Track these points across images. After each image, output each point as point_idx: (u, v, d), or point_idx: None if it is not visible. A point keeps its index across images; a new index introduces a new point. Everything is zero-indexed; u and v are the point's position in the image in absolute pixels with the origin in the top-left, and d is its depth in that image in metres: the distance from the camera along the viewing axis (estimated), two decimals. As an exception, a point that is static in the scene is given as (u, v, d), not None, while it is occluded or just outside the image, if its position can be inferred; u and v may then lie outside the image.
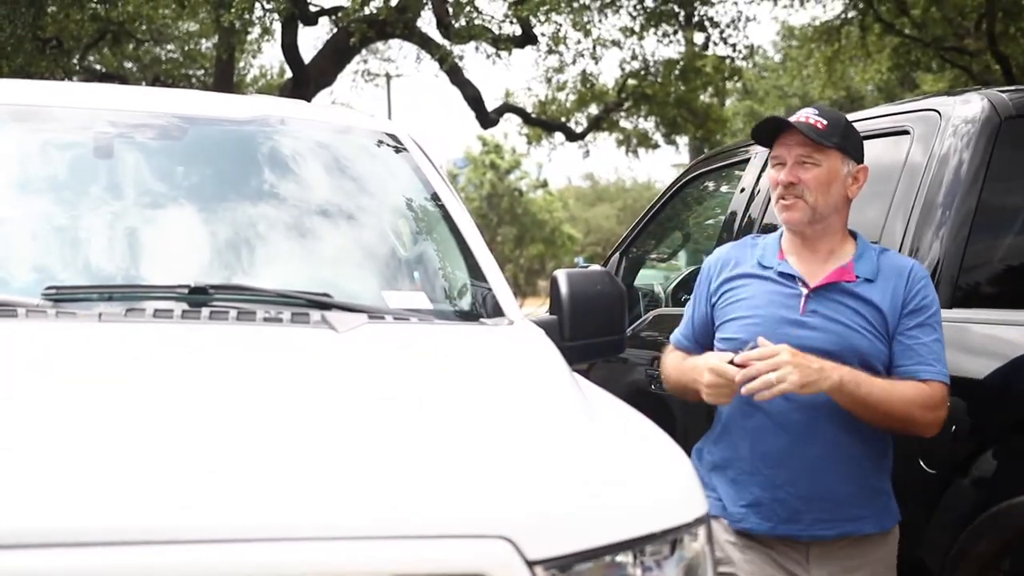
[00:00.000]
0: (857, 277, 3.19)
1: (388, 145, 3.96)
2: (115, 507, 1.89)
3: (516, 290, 41.77)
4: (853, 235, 3.31)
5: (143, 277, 3.13)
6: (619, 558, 2.13)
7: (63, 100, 3.76)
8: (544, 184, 51.19)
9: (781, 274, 3.27)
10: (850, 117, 4.33)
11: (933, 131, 3.74)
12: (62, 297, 2.84)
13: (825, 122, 3.21)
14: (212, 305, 2.90)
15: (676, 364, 3.54)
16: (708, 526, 2.32)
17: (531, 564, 1.99)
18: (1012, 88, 3.79)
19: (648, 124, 24.59)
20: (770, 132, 3.30)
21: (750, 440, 3.30)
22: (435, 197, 3.72)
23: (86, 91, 4.08)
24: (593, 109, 23.82)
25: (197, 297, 2.93)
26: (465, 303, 3.38)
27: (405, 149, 3.92)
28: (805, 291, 3.21)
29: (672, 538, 2.20)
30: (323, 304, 3.01)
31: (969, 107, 3.71)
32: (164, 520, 1.88)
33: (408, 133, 4.03)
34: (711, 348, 3.36)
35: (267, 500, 1.97)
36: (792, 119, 3.24)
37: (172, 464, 2.01)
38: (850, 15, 21.57)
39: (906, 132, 3.86)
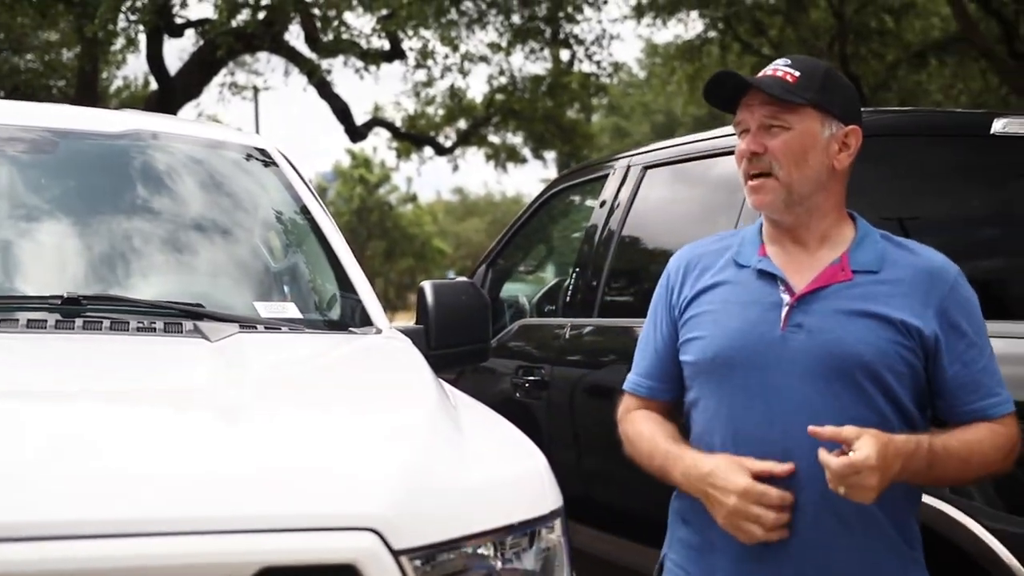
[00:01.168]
0: (855, 273, 2.41)
1: (258, 160, 4.05)
2: None
3: (387, 304, 41.70)
4: (853, 218, 2.53)
5: (16, 288, 3.19)
6: (480, 549, 2.27)
7: None
8: (414, 198, 51.29)
9: (760, 274, 2.46)
10: (718, 132, 4.49)
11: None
12: (-67, 308, 2.89)
13: (797, 73, 2.44)
14: (85, 315, 2.98)
15: (649, 439, 2.58)
16: (564, 519, 2.47)
17: (397, 554, 2.12)
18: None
19: (516, 139, 24.91)
20: (730, 92, 2.51)
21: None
22: (304, 211, 3.83)
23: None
24: (462, 123, 24.00)
25: (70, 308, 3.00)
26: (334, 313, 3.50)
27: (275, 164, 4.01)
28: (788, 300, 2.41)
29: (530, 529, 2.35)
30: (195, 314, 3.11)
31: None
32: (22, 517, 1.97)
33: (277, 148, 4.12)
34: (682, 385, 2.58)
35: (142, 497, 2.07)
36: (760, 74, 2.51)
37: (34, 465, 2.10)
38: (711, 35, 22.10)
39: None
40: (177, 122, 4.60)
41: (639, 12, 21.17)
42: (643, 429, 2.59)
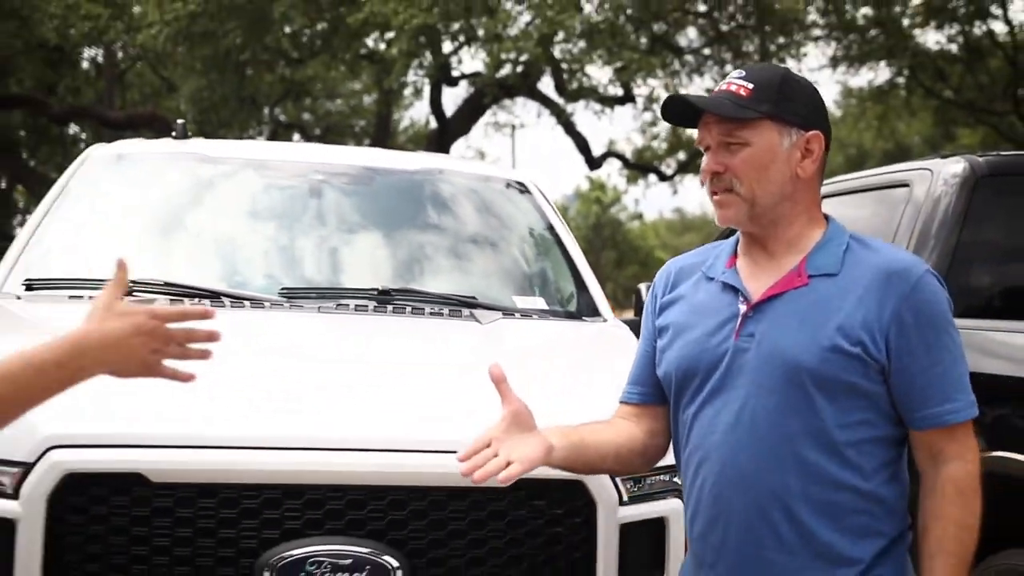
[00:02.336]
0: (811, 277, 1.98)
1: (517, 189, 4.41)
2: (285, 423, 2.44)
3: (616, 303, 41.94)
4: (828, 219, 2.09)
5: (346, 283, 3.62)
6: (665, 476, 2.59)
7: (283, 155, 4.33)
8: (640, 216, 51.38)
9: (724, 286, 2.07)
10: (873, 171, 4.66)
11: (928, 184, 4.11)
12: (292, 295, 3.39)
13: (751, 86, 2.01)
14: (394, 303, 3.43)
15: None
16: None
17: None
18: (990, 153, 4.15)
19: (727, 168, 24.72)
20: (691, 112, 2.07)
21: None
22: (551, 228, 4.20)
23: (300, 148, 4.65)
24: (681, 155, 24.07)
25: (383, 297, 3.45)
26: (571, 306, 3.83)
27: (530, 192, 4.37)
28: (744, 309, 2.01)
29: None
30: (471, 304, 3.51)
31: (954, 167, 4.08)
32: (306, 432, 2.40)
33: (532, 180, 4.48)
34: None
35: (421, 423, 2.50)
36: (716, 89, 2.09)
37: (334, 397, 2.57)
38: (898, 80, 21.57)
39: (907, 184, 4.24)
40: (457, 161, 5.05)
41: (835, 62, 20.85)
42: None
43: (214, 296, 3.30)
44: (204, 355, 1.67)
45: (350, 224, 3.94)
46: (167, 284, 3.31)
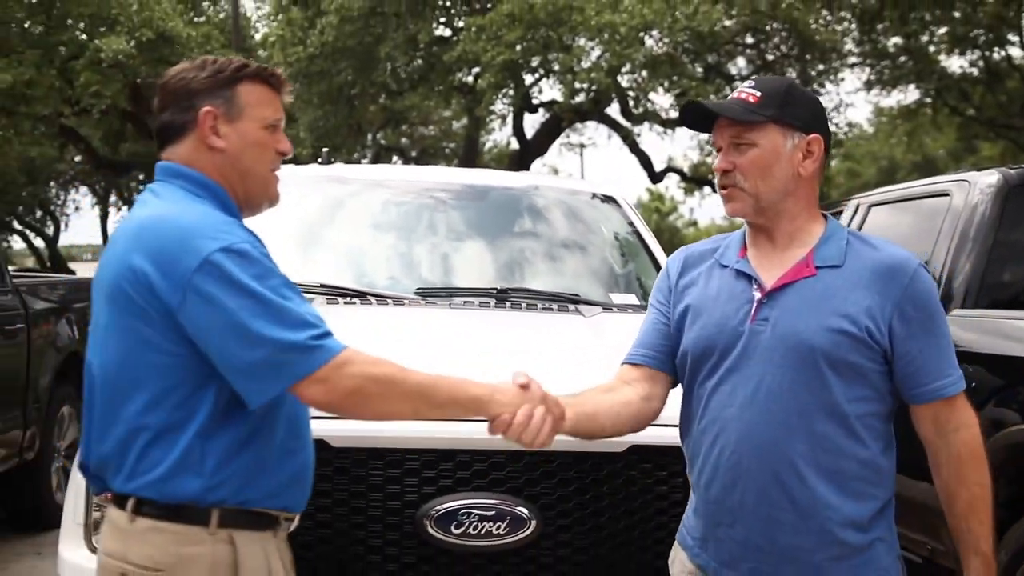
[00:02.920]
0: (818, 268, 1.99)
1: (605, 201, 4.48)
2: None
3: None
4: (826, 219, 2.09)
5: (471, 283, 3.72)
6: None
7: (409, 176, 4.48)
8: (694, 223, 51.11)
9: (738, 273, 2.05)
10: (915, 183, 4.67)
11: (966, 193, 4.12)
12: (426, 294, 3.51)
13: (759, 94, 2.02)
14: (511, 299, 3.54)
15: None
16: None
17: None
18: (1020, 166, 4.13)
19: (772, 180, 24.48)
20: (704, 116, 2.08)
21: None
22: (637, 234, 4.26)
23: (421, 170, 4.78)
24: (732, 169, 23.86)
25: (501, 295, 3.56)
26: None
27: (618, 204, 4.45)
28: (759, 296, 2.00)
29: None
30: (575, 300, 3.60)
31: (989, 178, 4.09)
32: None
33: (619, 193, 4.56)
34: (670, 360, 2.11)
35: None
36: (728, 97, 2.09)
37: (491, 379, 2.65)
38: (925, 100, 21.21)
39: (947, 194, 4.25)
40: (550, 178, 5.15)
41: (869, 86, 20.59)
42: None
43: (361, 295, 3.44)
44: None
45: (468, 233, 4.04)
46: (323, 285, 3.46)
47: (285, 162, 2.04)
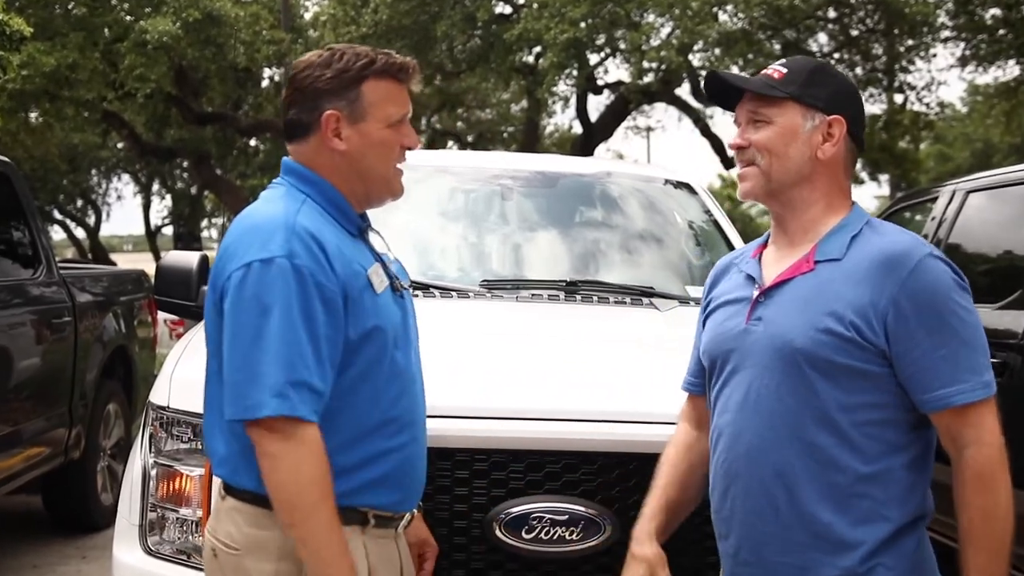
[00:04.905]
0: (818, 263, 1.93)
1: (682, 189, 4.47)
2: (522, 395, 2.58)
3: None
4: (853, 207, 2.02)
5: (539, 275, 3.73)
6: None
7: (475, 163, 4.51)
8: (766, 212, 50.64)
9: (747, 275, 2.04)
10: (1019, 167, 4.57)
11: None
12: (492, 287, 3.54)
13: (784, 71, 2.00)
14: (581, 292, 3.55)
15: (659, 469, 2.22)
16: None
17: None
18: None
19: (856, 165, 24.19)
20: (728, 92, 2.05)
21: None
22: (715, 223, 4.25)
23: (488, 156, 4.80)
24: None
25: (571, 288, 3.57)
26: (738, 294, 3.89)
27: (694, 191, 4.44)
28: (755, 294, 1.98)
29: None
30: (649, 293, 3.61)
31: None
32: (568, 405, 2.53)
33: (696, 181, 4.55)
34: None
35: (625, 397, 2.60)
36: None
37: (561, 376, 2.70)
38: (1026, 77, 20.73)
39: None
40: (624, 165, 5.14)
41: (963, 62, 20.16)
42: (666, 454, 2.23)
43: (424, 288, 3.47)
44: None
45: (537, 222, 4.06)
46: (384, 278, 3.49)
47: None
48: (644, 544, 2.09)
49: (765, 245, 2.08)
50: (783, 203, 2.00)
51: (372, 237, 2.14)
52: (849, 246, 1.92)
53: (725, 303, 2.05)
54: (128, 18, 16.89)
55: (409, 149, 2.08)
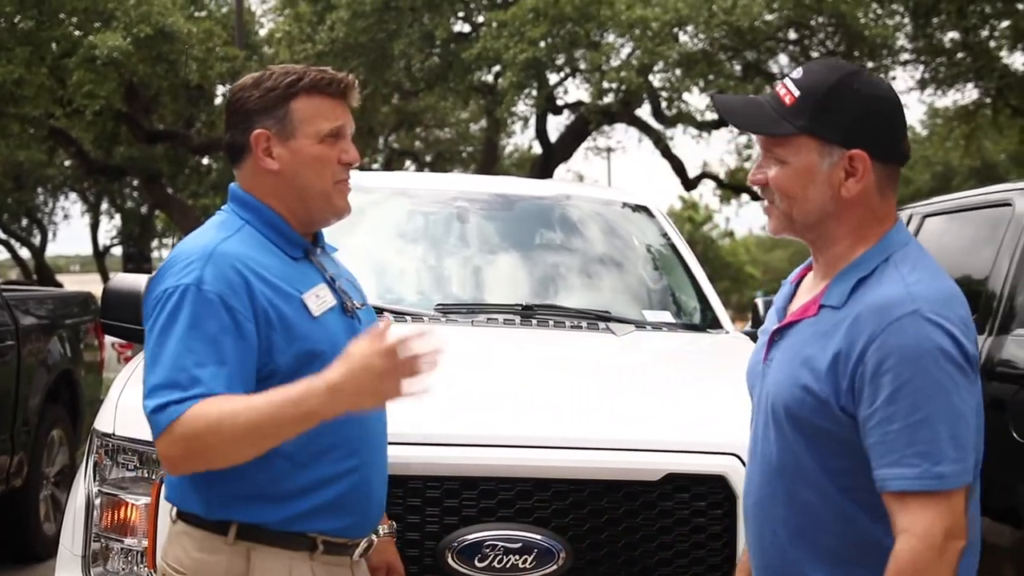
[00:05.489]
0: (821, 308, 1.79)
1: (639, 212, 4.50)
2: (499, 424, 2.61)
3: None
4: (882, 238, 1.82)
5: (495, 299, 3.77)
6: None
7: (430, 184, 4.53)
8: (730, 234, 50.98)
9: (777, 307, 1.93)
10: (973, 191, 4.67)
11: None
12: (447, 310, 3.55)
13: (798, 93, 1.77)
14: (537, 316, 3.57)
15: None
16: None
17: None
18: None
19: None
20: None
21: None
22: (672, 247, 4.30)
23: (443, 178, 4.84)
24: (773, 176, 23.81)
25: (527, 311, 3.59)
26: (696, 319, 3.94)
27: (651, 214, 4.48)
28: (772, 330, 1.88)
29: None
30: (605, 318, 3.63)
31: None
32: (521, 432, 2.56)
33: (653, 204, 4.59)
34: None
35: (582, 423, 2.63)
36: (768, 90, 1.87)
37: (515, 402, 2.73)
38: (985, 100, 21.12)
39: (1009, 203, 4.26)
40: (583, 187, 5.19)
41: (923, 85, 20.52)
42: None
43: (378, 311, 3.47)
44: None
45: (493, 246, 4.09)
46: (337, 301, 3.50)
47: None
48: None
49: (808, 267, 1.95)
50: (811, 238, 1.85)
51: (324, 258, 2.14)
52: (852, 292, 1.75)
53: (762, 331, 1.94)
54: (77, 33, 16.73)
55: (349, 165, 2.08)
